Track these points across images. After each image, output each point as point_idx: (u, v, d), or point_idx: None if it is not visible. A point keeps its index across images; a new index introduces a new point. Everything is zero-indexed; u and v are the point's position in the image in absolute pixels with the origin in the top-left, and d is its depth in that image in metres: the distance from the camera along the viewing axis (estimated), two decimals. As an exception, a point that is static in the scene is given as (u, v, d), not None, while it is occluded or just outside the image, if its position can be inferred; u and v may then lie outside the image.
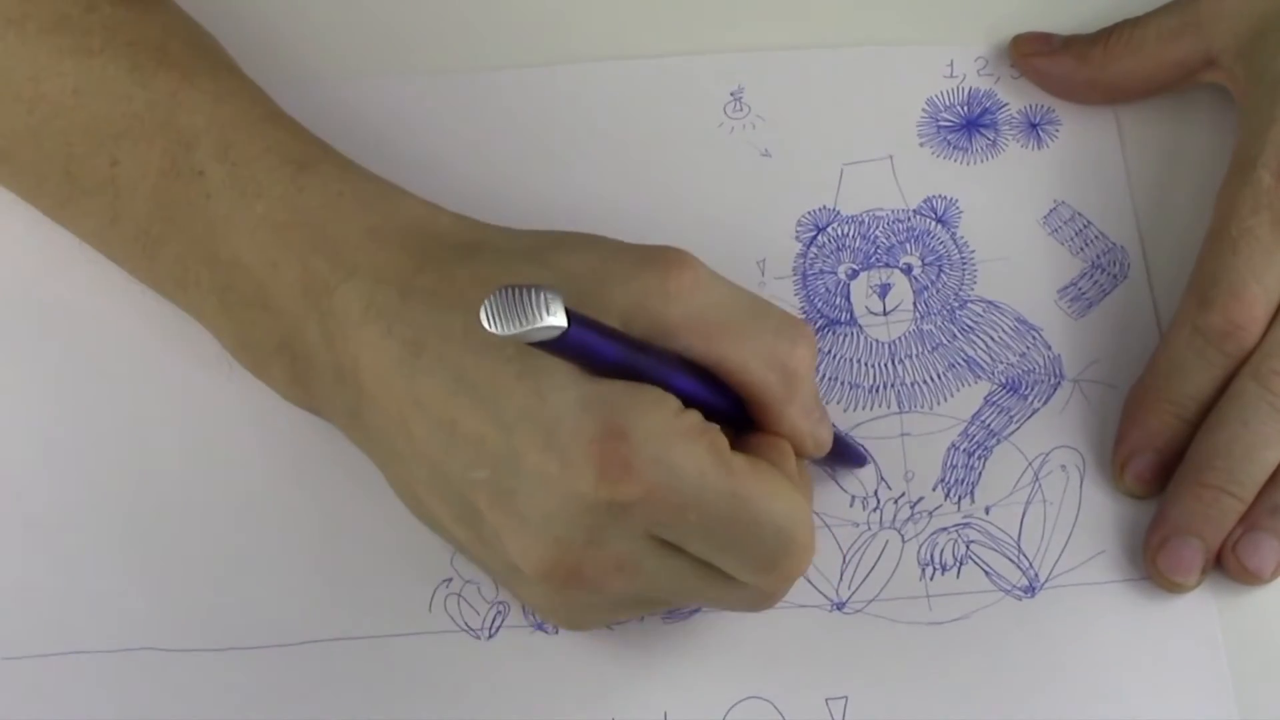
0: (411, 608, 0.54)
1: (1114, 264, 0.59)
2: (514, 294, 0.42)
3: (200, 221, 0.53)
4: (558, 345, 0.44)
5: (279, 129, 0.54)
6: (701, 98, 0.62)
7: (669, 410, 0.47)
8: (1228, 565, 0.54)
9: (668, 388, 0.48)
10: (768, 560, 0.48)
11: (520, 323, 0.42)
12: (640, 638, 0.54)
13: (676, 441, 0.46)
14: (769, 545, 0.48)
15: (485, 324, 0.42)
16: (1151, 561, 0.54)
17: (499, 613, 0.54)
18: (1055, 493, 0.56)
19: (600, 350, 0.46)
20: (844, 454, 0.55)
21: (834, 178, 0.61)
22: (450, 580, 0.55)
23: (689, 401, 0.48)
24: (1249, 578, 0.54)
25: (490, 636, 0.54)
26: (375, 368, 0.50)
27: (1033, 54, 0.61)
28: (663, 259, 0.49)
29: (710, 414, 0.49)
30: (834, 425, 0.53)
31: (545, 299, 0.43)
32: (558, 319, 0.43)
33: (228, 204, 0.53)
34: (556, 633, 0.54)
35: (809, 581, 0.55)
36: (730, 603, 0.51)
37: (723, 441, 0.48)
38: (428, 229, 0.52)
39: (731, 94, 0.62)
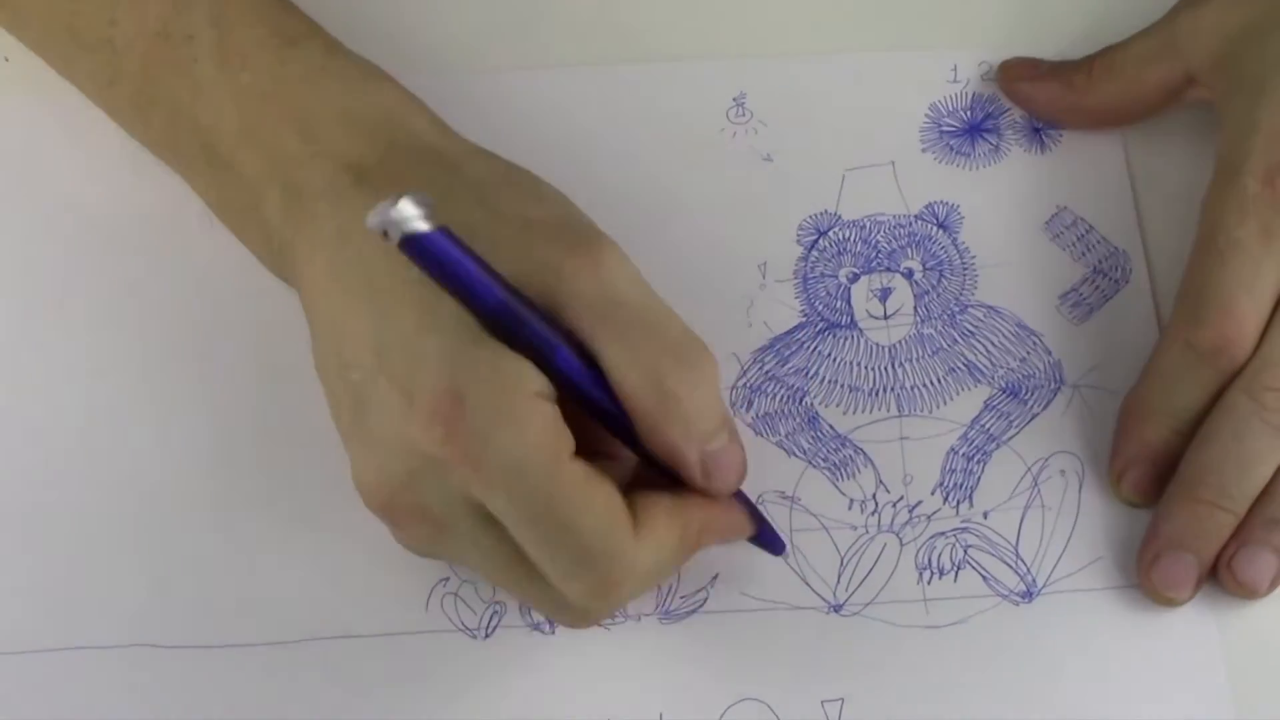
0: (408, 606, 0.54)
1: (1115, 269, 0.59)
2: (397, 197, 0.44)
3: (186, 85, 0.55)
4: (422, 257, 0.45)
5: (272, 2, 0.56)
6: (704, 103, 0.62)
7: (519, 391, 0.46)
8: (1223, 580, 0.54)
9: (549, 363, 0.47)
10: (568, 570, 0.48)
11: (383, 213, 0.43)
12: (637, 638, 0.54)
13: (509, 424, 0.46)
14: (572, 556, 0.48)
15: (367, 219, 0.43)
16: (1145, 576, 0.54)
17: (496, 612, 0.55)
18: (1054, 498, 0.56)
19: (479, 290, 0.46)
20: (758, 527, 0.53)
21: (835, 183, 0.61)
22: (447, 579, 0.55)
23: (573, 389, 0.48)
24: (1245, 592, 0.54)
25: (487, 636, 0.54)
26: (311, 243, 0.51)
27: (1019, 79, 0.61)
28: (577, 238, 0.49)
29: (599, 414, 0.48)
30: (759, 509, 0.53)
31: (415, 200, 0.44)
32: (416, 218, 0.44)
33: (213, 69, 0.54)
34: (554, 633, 0.54)
35: (806, 584, 0.55)
36: (537, 601, 0.51)
37: (564, 444, 0.47)
38: (401, 124, 0.53)
39: (734, 99, 0.62)
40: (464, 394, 0.46)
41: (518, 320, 0.47)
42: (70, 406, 0.57)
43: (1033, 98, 0.61)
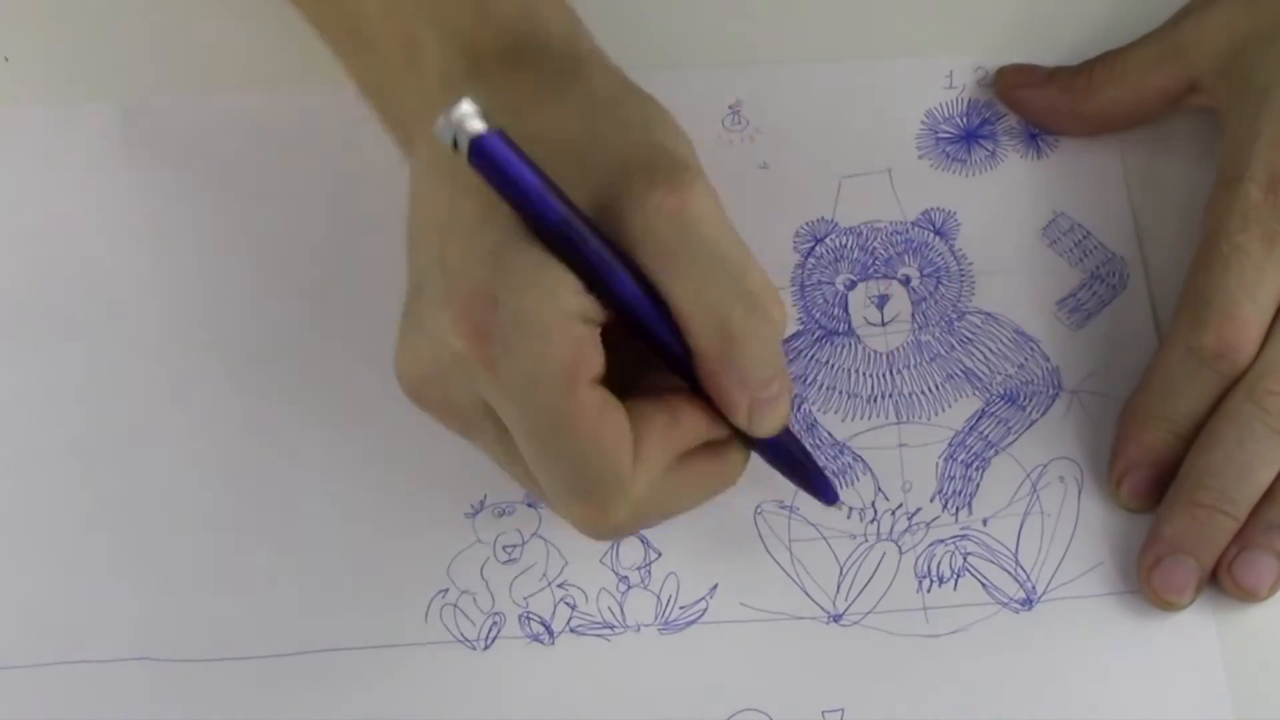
0: (407, 618, 0.54)
1: (1113, 274, 0.59)
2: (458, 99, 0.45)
3: None
4: (484, 164, 0.45)
5: None
6: (700, 110, 0.62)
7: (555, 306, 0.46)
8: (1224, 583, 0.54)
9: (606, 286, 0.47)
10: (561, 494, 0.48)
11: (447, 121, 0.44)
12: (636, 649, 0.54)
13: (535, 335, 0.46)
14: (566, 482, 0.47)
15: (434, 128, 0.45)
16: (1146, 580, 0.54)
17: (495, 624, 0.54)
18: (1053, 504, 0.56)
19: (537, 203, 0.46)
20: (799, 470, 0.53)
21: (832, 190, 0.61)
22: (446, 590, 0.55)
23: (629, 315, 0.47)
24: (1245, 595, 0.54)
25: (486, 647, 0.54)
26: (421, 127, 0.51)
27: (1018, 85, 0.61)
28: (663, 173, 0.48)
29: (655, 346, 0.48)
30: (807, 451, 0.53)
31: (476, 104, 0.44)
32: (474, 117, 0.44)
33: None
34: (552, 644, 0.54)
35: (805, 593, 0.55)
36: (550, 505, 0.50)
37: (590, 366, 0.46)
38: (535, 20, 0.53)
39: (730, 107, 0.62)
40: (497, 296, 0.46)
41: (578, 238, 0.46)
42: (66, 419, 0.57)
43: (1031, 104, 0.61)
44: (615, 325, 0.48)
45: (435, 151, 0.48)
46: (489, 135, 0.45)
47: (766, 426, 0.49)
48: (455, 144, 0.45)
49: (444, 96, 0.49)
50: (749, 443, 0.51)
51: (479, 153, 0.45)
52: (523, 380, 0.46)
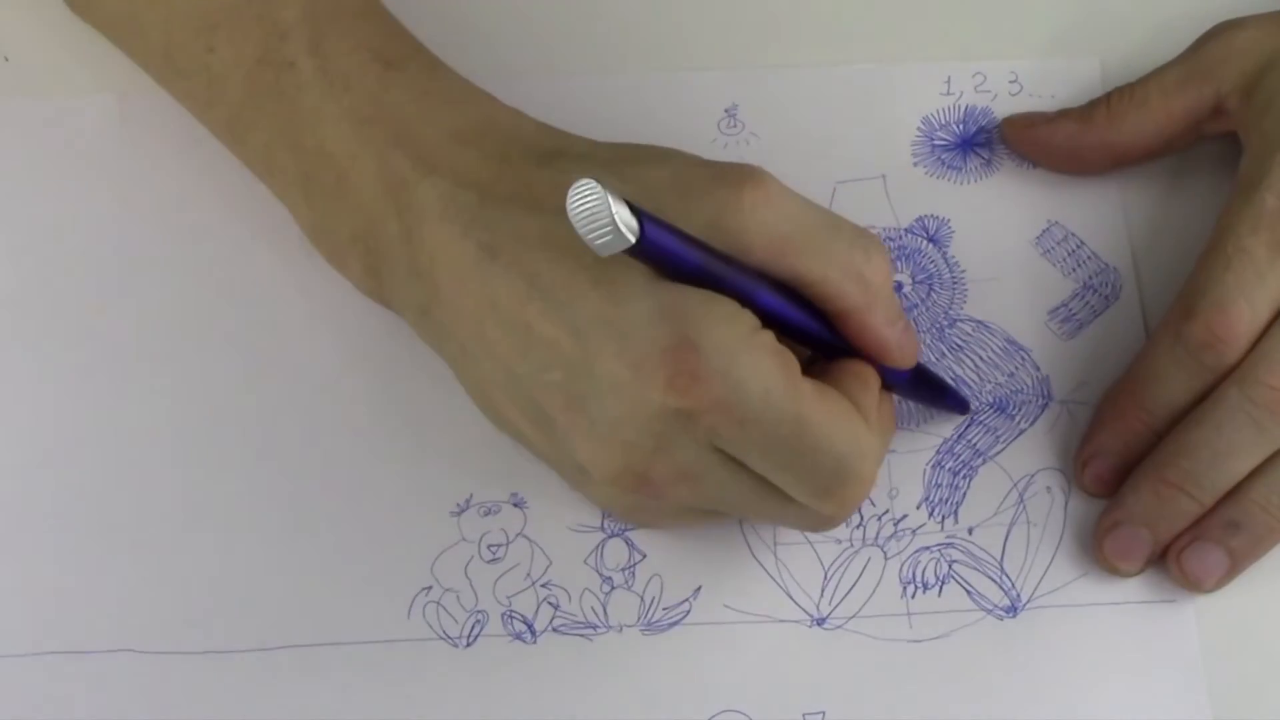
0: (390, 614, 0.55)
1: (1105, 285, 0.59)
2: (590, 199, 0.44)
3: (288, 110, 0.55)
4: (636, 251, 0.45)
5: (371, 25, 0.56)
6: (696, 114, 0.62)
7: (742, 326, 0.48)
8: (1170, 568, 0.54)
9: (751, 303, 0.49)
10: (823, 485, 0.49)
11: (598, 230, 0.44)
12: (618, 650, 0.54)
13: (745, 357, 0.47)
14: (826, 471, 0.49)
15: (573, 223, 0.44)
16: (1099, 542, 0.55)
17: (477, 622, 0.55)
18: (1039, 514, 0.56)
19: (681, 256, 0.47)
20: (935, 388, 0.56)
21: (827, 196, 0.61)
22: (430, 588, 0.55)
23: (773, 319, 0.49)
24: (1188, 585, 0.54)
25: (468, 645, 0.54)
26: (451, 267, 0.51)
27: (1029, 125, 0.60)
28: (737, 175, 0.49)
29: (798, 334, 0.50)
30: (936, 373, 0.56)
31: (613, 205, 0.44)
32: (628, 222, 0.45)
33: (315, 96, 0.54)
34: (534, 643, 0.54)
35: (789, 597, 0.55)
36: (789, 521, 0.52)
37: (794, 364, 0.49)
38: (511, 134, 0.54)
39: (726, 111, 0.62)
40: (696, 340, 0.47)
41: (718, 275, 0.48)
42: (58, 412, 0.57)
43: (1049, 141, 0.60)
44: None
45: (496, 283, 0.49)
46: (646, 220, 0.45)
47: (911, 354, 0.52)
48: (639, 239, 0.45)
49: (468, 232, 0.50)
50: (885, 384, 0.53)
51: (647, 237, 0.45)
52: (756, 401, 0.47)
